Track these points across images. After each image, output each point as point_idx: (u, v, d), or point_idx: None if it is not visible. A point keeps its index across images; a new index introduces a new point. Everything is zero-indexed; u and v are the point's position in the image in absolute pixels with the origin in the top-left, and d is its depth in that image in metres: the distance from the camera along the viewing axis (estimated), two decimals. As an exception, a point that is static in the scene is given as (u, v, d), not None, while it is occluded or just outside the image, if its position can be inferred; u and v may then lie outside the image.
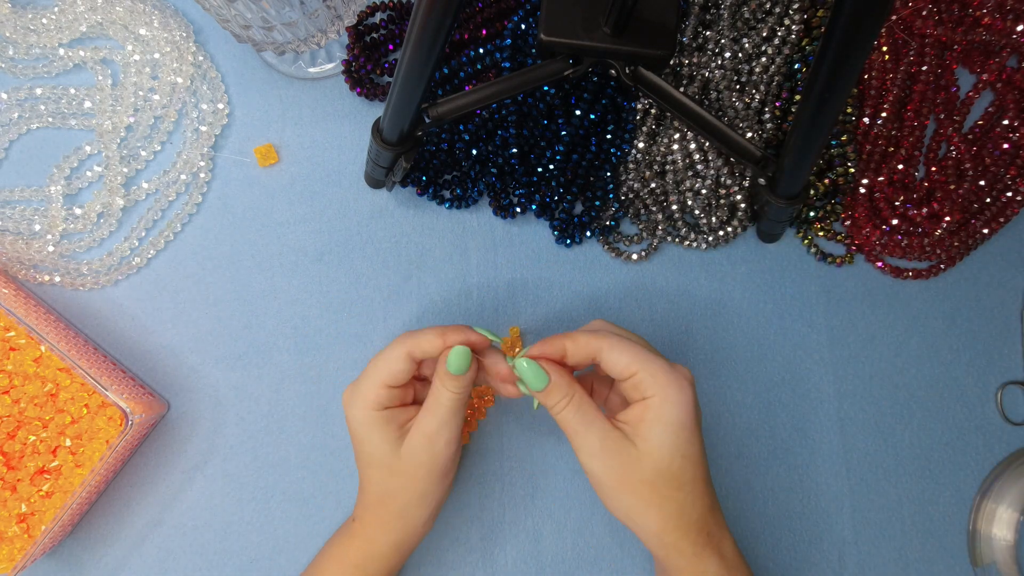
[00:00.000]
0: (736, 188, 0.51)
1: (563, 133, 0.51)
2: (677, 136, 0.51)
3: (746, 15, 0.52)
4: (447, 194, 0.52)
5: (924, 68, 0.53)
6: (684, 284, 0.53)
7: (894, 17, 0.53)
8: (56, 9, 0.53)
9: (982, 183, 0.52)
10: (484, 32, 0.52)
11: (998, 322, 0.53)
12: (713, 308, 0.52)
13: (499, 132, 0.51)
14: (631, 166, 0.52)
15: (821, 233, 0.53)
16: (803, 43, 0.52)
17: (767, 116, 0.51)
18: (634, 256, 0.52)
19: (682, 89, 0.51)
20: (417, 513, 0.43)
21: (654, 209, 0.52)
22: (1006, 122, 0.52)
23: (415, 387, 0.45)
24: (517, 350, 0.51)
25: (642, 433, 0.39)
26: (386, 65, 0.54)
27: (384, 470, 0.42)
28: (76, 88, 0.53)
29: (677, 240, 0.52)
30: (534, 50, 0.52)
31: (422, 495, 0.42)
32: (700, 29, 0.52)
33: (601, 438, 0.39)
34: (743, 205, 0.51)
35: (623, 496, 0.39)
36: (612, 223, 0.52)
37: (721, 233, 0.52)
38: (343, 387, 0.50)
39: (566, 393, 0.40)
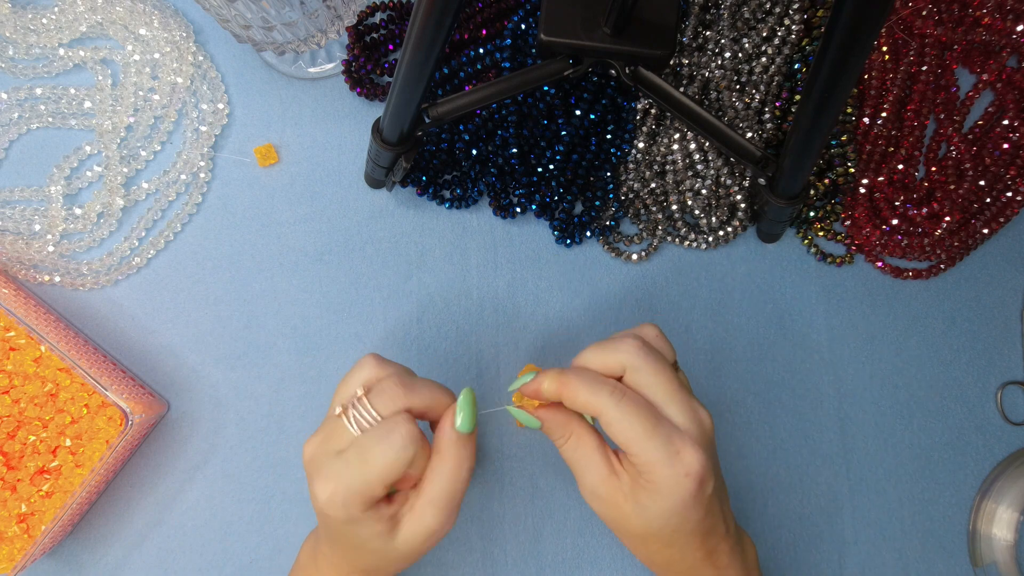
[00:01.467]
0: (736, 188, 0.51)
1: (563, 133, 0.51)
2: (677, 136, 0.51)
3: (746, 15, 0.52)
4: (447, 194, 0.52)
5: (924, 68, 0.53)
6: (684, 284, 0.53)
7: (894, 17, 0.53)
8: (56, 9, 0.53)
9: (982, 183, 0.52)
10: (484, 32, 0.52)
11: (998, 322, 0.53)
12: (713, 308, 0.52)
13: (499, 132, 0.51)
14: (631, 166, 0.52)
15: (821, 233, 0.53)
16: (803, 43, 0.52)
17: (767, 116, 0.51)
18: (634, 256, 0.52)
19: (682, 89, 0.51)
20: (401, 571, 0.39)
21: (654, 209, 0.52)
22: (1006, 122, 0.52)
23: None
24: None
25: (636, 497, 0.36)
26: (386, 65, 0.54)
27: (368, 556, 0.37)
28: (76, 88, 0.53)
29: (677, 240, 0.52)
30: (534, 50, 0.52)
31: (404, 568, 0.39)
32: (700, 29, 0.52)
33: (597, 483, 0.36)
34: (743, 205, 0.51)
35: (616, 533, 0.39)
36: (612, 223, 0.52)
37: (721, 233, 0.52)
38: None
39: (562, 433, 0.38)
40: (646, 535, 0.37)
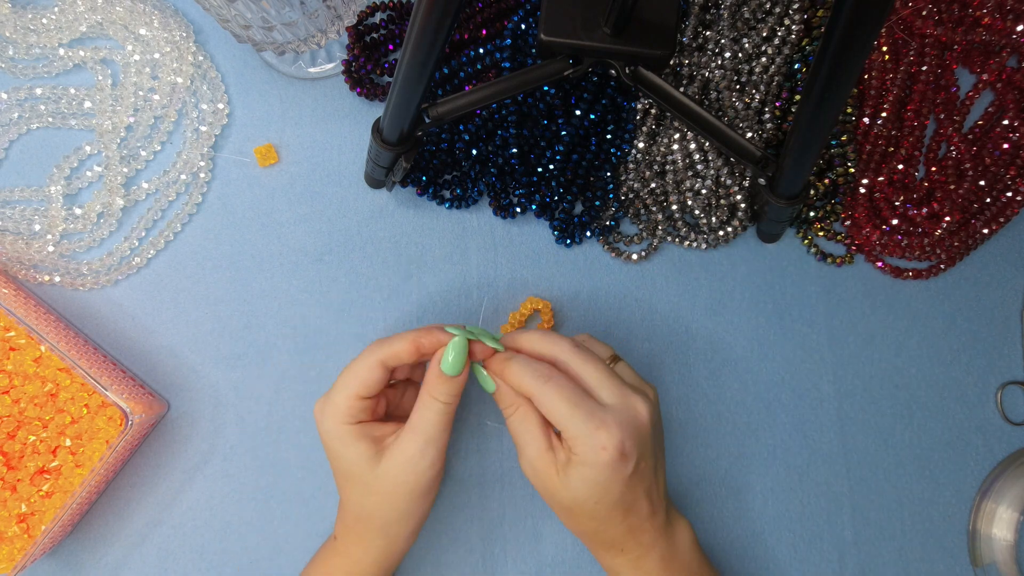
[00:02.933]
0: (736, 188, 0.51)
1: (563, 133, 0.51)
2: (677, 136, 0.51)
3: (746, 15, 0.52)
4: (447, 194, 0.52)
5: (924, 68, 0.53)
6: (684, 284, 0.53)
7: (894, 17, 0.53)
8: (56, 9, 0.53)
9: (982, 183, 0.52)
10: (484, 32, 0.52)
11: (998, 322, 0.53)
12: (713, 308, 0.52)
13: (499, 132, 0.51)
14: (631, 166, 0.52)
15: (821, 233, 0.53)
16: (803, 43, 0.52)
17: (767, 116, 0.51)
18: (634, 256, 0.52)
19: (682, 89, 0.51)
20: (398, 530, 0.42)
21: (654, 209, 0.52)
22: (1006, 122, 0.52)
23: (386, 397, 0.44)
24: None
25: (566, 471, 0.39)
26: (386, 65, 0.53)
27: (361, 488, 0.41)
28: (76, 88, 0.53)
29: (677, 240, 0.52)
30: (534, 50, 0.52)
31: (403, 514, 0.41)
32: (700, 29, 0.52)
33: (534, 456, 0.40)
34: (743, 205, 0.51)
35: (549, 504, 0.42)
36: (612, 223, 0.52)
37: (721, 233, 0.52)
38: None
39: (510, 403, 0.41)
40: (572, 506, 0.40)
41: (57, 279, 0.51)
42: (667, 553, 0.42)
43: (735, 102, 0.51)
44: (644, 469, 0.40)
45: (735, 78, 0.52)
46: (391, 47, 0.54)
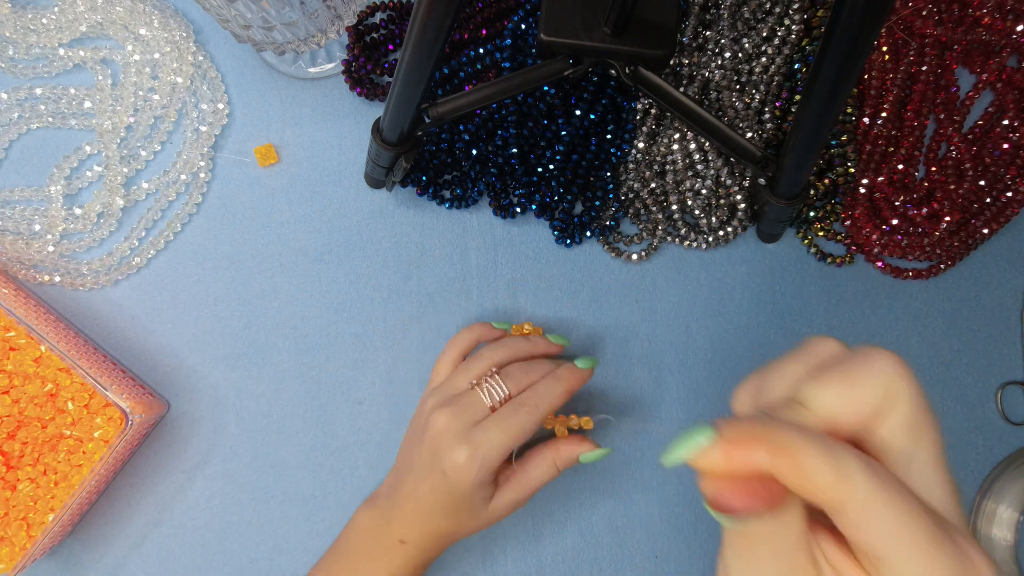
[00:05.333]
0: (736, 188, 0.51)
1: (563, 133, 0.51)
2: (677, 136, 0.51)
3: (746, 15, 0.52)
4: (447, 194, 0.52)
5: (924, 68, 0.53)
6: (684, 284, 0.53)
7: (894, 17, 0.53)
8: (56, 9, 0.53)
9: (982, 183, 0.52)
10: (484, 32, 0.52)
11: (998, 322, 0.53)
12: (713, 308, 0.52)
13: (499, 132, 0.51)
14: (631, 166, 0.52)
15: (821, 233, 0.53)
16: (803, 43, 0.52)
17: (767, 116, 0.51)
18: (634, 256, 0.52)
19: (682, 89, 0.51)
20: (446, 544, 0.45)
21: (654, 209, 0.52)
22: (1006, 122, 0.52)
23: None
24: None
25: None
26: (386, 65, 0.53)
27: (467, 518, 0.43)
28: (76, 88, 0.53)
29: (677, 240, 0.52)
30: (534, 50, 0.52)
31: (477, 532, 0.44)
32: (700, 29, 0.52)
33: None
34: (743, 205, 0.51)
35: None
36: (612, 223, 0.52)
37: (721, 233, 0.52)
38: (343, 387, 0.50)
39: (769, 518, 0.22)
40: None
41: (57, 279, 0.51)
42: None
43: (735, 102, 0.51)
44: None
45: (735, 78, 0.52)
46: (391, 47, 0.54)
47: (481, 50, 0.52)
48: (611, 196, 0.52)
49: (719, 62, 0.51)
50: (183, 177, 0.52)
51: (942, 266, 0.53)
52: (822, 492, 0.20)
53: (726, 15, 0.52)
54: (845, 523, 0.21)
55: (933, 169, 0.53)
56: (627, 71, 0.48)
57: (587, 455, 0.44)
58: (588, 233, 0.52)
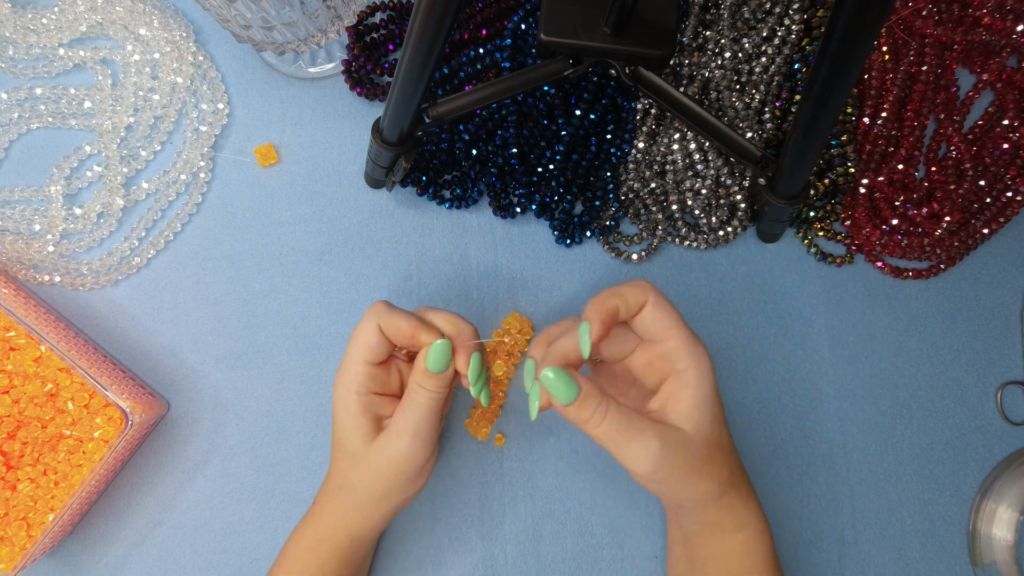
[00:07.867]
0: (736, 188, 0.51)
1: (563, 133, 0.51)
2: (677, 136, 0.51)
3: (746, 15, 0.52)
4: (447, 194, 0.52)
5: (924, 68, 0.53)
6: (684, 284, 0.53)
7: (894, 17, 0.53)
8: (56, 9, 0.53)
9: (982, 183, 0.52)
10: (484, 32, 0.52)
11: (998, 322, 0.53)
12: (713, 308, 0.52)
13: (499, 132, 0.51)
14: (631, 166, 0.52)
15: (821, 233, 0.53)
16: (803, 43, 0.52)
17: (767, 116, 0.51)
18: (634, 256, 0.52)
19: (682, 89, 0.51)
20: (374, 508, 0.41)
21: (654, 209, 0.52)
22: (1006, 122, 0.52)
23: (400, 371, 0.44)
24: (508, 340, 0.51)
25: (684, 412, 0.36)
26: (386, 65, 0.54)
27: (351, 460, 0.41)
28: (76, 88, 0.53)
29: (677, 240, 0.52)
30: (534, 50, 0.52)
31: (384, 494, 0.41)
32: (700, 29, 0.52)
33: (659, 438, 0.35)
34: (743, 205, 0.51)
35: (693, 482, 0.37)
36: (612, 223, 0.52)
37: (721, 233, 0.52)
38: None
39: (600, 402, 0.35)
40: (709, 449, 0.37)
41: (57, 279, 0.51)
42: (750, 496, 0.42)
43: (735, 102, 0.51)
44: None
45: (735, 78, 0.52)
46: (391, 47, 0.54)
47: (481, 50, 0.52)
48: (611, 196, 0.52)
49: (719, 62, 0.51)
50: (183, 177, 0.52)
51: (942, 266, 0.53)
52: (636, 302, 0.38)
53: (726, 15, 0.52)
54: (642, 319, 0.38)
55: (933, 169, 0.53)
56: (627, 71, 0.48)
57: (428, 359, 0.39)
58: (588, 233, 0.52)
